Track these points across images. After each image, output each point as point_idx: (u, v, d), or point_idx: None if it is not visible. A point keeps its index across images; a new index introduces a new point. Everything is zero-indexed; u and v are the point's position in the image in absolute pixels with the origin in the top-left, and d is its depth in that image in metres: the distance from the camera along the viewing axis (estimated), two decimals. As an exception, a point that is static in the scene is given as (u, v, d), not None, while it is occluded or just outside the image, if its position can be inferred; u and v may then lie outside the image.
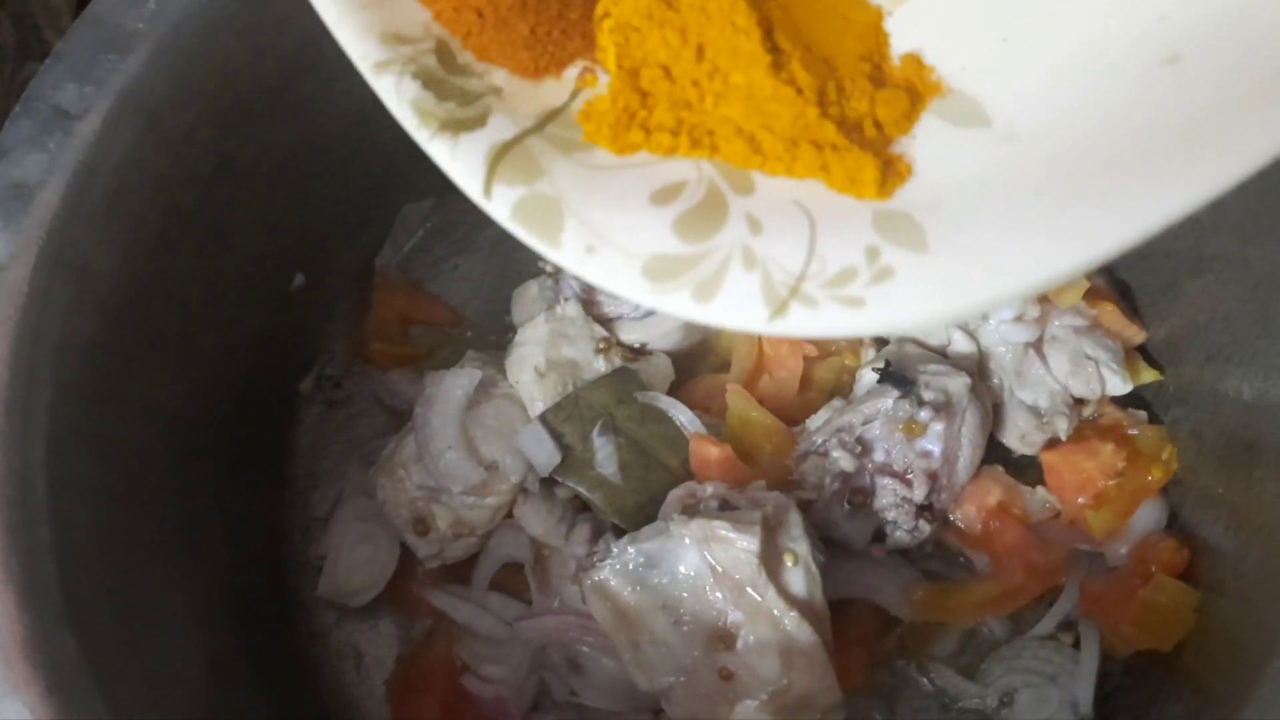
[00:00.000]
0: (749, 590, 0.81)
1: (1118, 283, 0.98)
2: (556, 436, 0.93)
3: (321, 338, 1.09)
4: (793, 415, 0.97)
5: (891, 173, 0.57)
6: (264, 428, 1.04)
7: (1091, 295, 0.93)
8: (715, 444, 0.92)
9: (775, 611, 0.81)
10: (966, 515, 0.94)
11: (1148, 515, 0.92)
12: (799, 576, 0.83)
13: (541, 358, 0.96)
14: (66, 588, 0.70)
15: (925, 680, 0.93)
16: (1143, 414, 0.96)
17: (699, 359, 1.04)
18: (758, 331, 0.53)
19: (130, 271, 0.80)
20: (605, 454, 0.93)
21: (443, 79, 0.60)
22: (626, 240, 0.55)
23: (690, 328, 1.00)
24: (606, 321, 1.00)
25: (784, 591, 0.81)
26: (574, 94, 0.62)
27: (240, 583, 0.95)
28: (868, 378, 0.94)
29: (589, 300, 0.99)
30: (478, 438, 0.95)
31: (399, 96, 0.59)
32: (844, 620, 0.88)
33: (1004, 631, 0.94)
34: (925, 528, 0.91)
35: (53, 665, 0.66)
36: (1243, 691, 0.69)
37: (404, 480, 0.96)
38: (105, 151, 0.77)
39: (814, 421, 0.94)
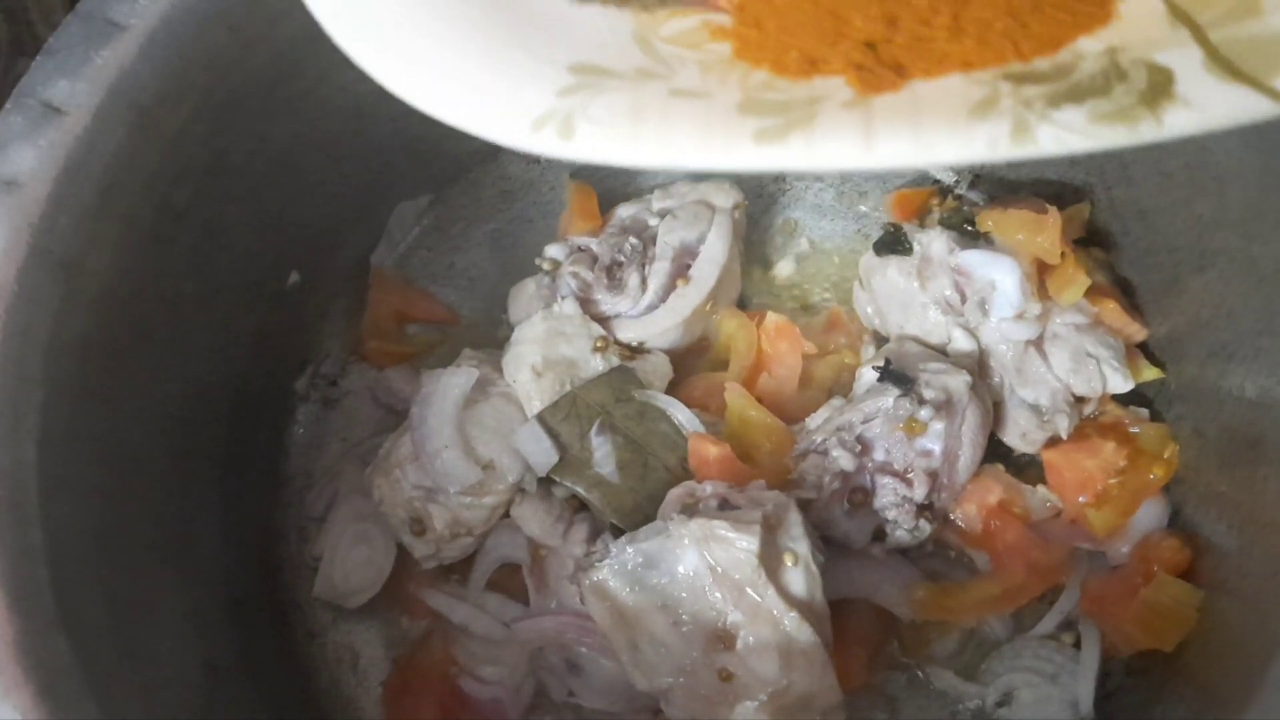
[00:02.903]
0: (748, 590, 0.81)
1: (1119, 280, 0.98)
2: (554, 436, 0.93)
3: (317, 336, 1.09)
4: (792, 414, 0.96)
5: None
6: (259, 427, 1.04)
7: (1093, 292, 0.93)
8: (714, 443, 0.91)
9: (775, 612, 0.80)
10: (967, 514, 0.93)
11: (1149, 514, 0.92)
12: (799, 576, 0.82)
13: (538, 356, 0.96)
14: (59, 589, 0.69)
15: (927, 679, 0.93)
16: (1144, 412, 0.95)
17: (697, 357, 1.03)
18: None
19: (122, 269, 0.80)
20: (603, 453, 0.93)
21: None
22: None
23: (689, 325, 0.99)
24: (604, 320, 0.99)
25: (784, 591, 0.81)
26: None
27: (236, 583, 0.95)
28: (868, 376, 0.93)
29: (586, 299, 0.99)
30: (475, 437, 0.95)
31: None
32: (844, 620, 0.88)
33: (1005, 631, 0.93)
34: (926, 527, 0.91)
35: (45, 668, 0.66)
36: (1246, 692, 0.69)
37: (400, 480, 0.95)
38: (97, 147, 0.76)
39: (814, 420, 0.94)
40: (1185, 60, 0.51)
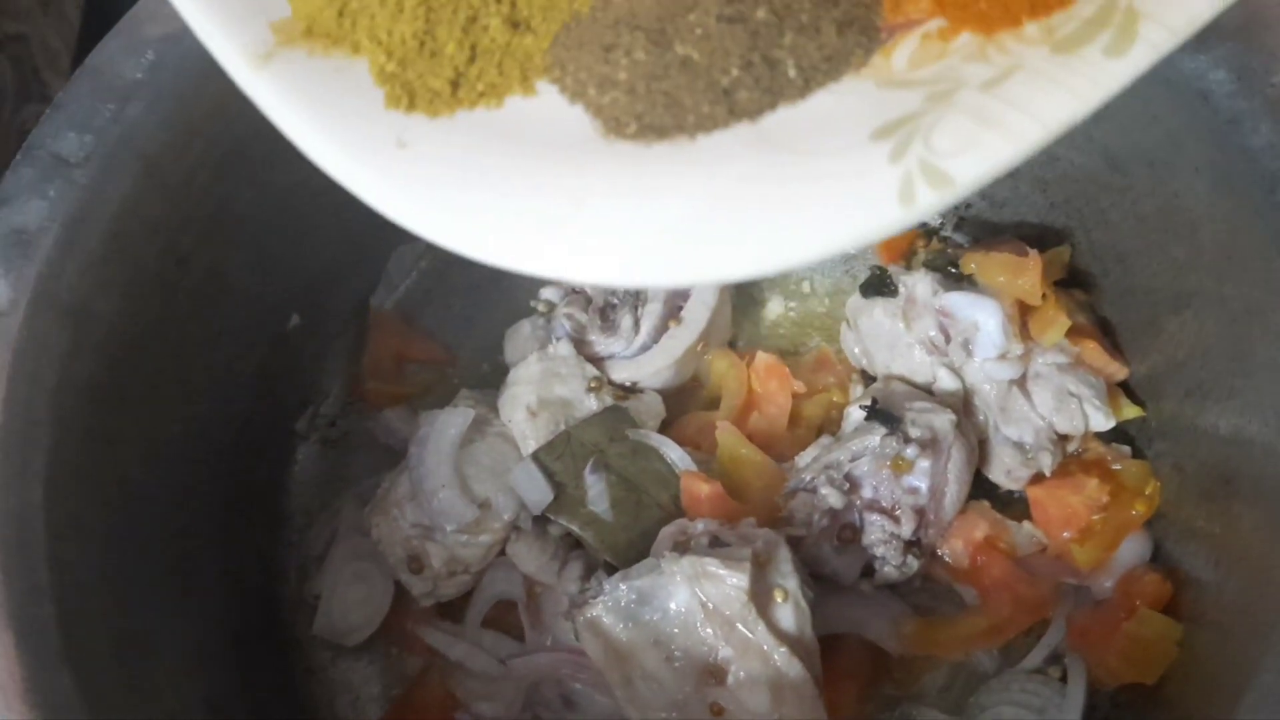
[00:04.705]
0: (739, 626, 0.82)
1: (1100, 320, 0.99)
2: (549, 474, 0.94)
3: (317, 377, 1.10)
4: (782, 452, 0.98)
5: None
6: (260, 466, 1.05)
7: (1074, 333, 0.94)
8: (706, 481, 0.93)
9: (765, 647, 0.81)
10: (954, 550, 0.94)
11: (1132, 549, 0.92)
12: (788, 612, 0.83)
13: (534, 396, 0.97)
14: (64, 628, 0.70)
15: (915, 714, 0.94)
16: (1126, 449, 0.96)
17: (689, 396, 1.05)
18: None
19: (128, 314, 0.81)
20: (597, 491, 0.94)
21: None
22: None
23: (681, 366, 1.01)
24: (597, 360, 1.01)
25: (774, 627, 0.82)
26: None
27: (236, 620, 0.96)
28: (855, 415, 0.95)
29: (580, 340, 1.01)
30: (471, 476, 0.96)
31: None
32: (834, 655, 0.88)
33: (993, 665, 0.94)
34: (913, 563, 0.92)
35: (50, 705, 0.67)
36: (1222, 723, 0.70)
37: (398, 519, 0.96)
38: (104, 197, 0.78)
39: (803, 458, 0.95)
40: None
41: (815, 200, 0.52)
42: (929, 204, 0.50)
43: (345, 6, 0.61)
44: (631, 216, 0.54)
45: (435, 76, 0.60)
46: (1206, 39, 0.74)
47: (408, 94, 0.60)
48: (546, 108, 0.60)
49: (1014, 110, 0.51)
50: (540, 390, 0.98)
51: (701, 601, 0.82)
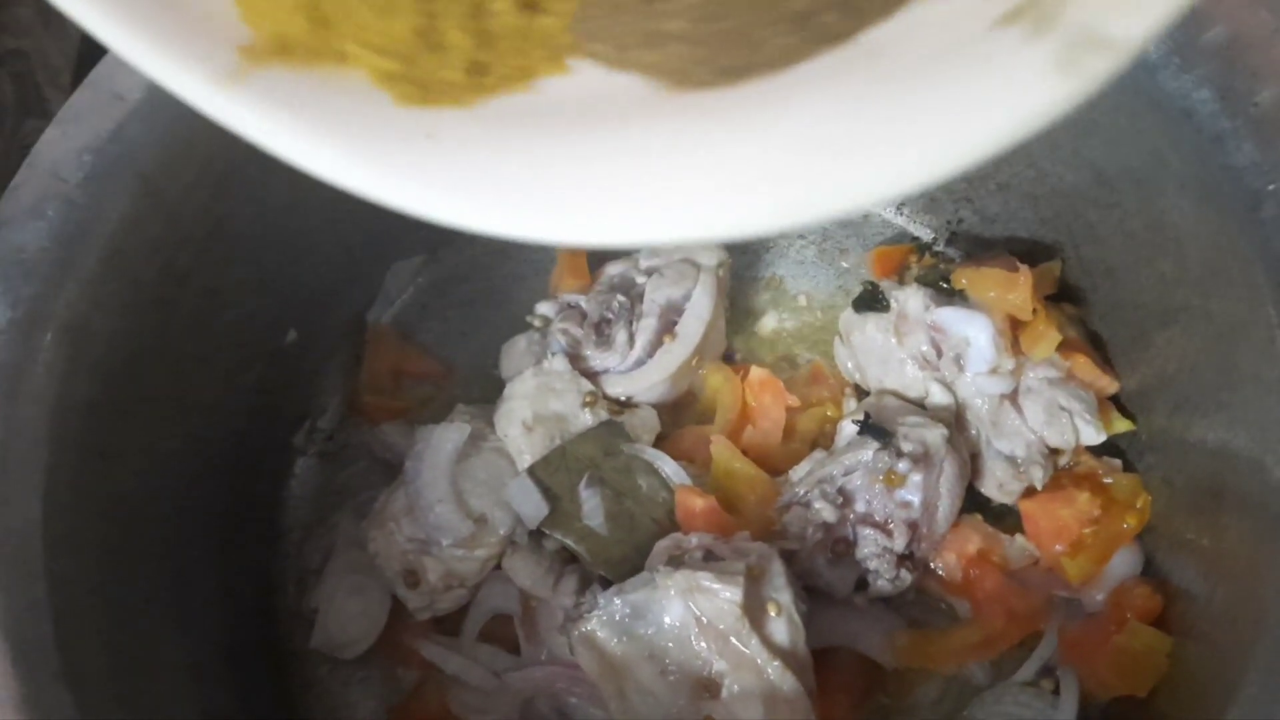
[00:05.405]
0: (733, 640, 0.82)
1: (1091, 334, 1.00)
2: (544, 489, 0.95)
3: (314, 392, 1.11)
4: (776, 465, 0.98)
5: None
6: (258, 481, 1.06)
7: (1065, 347, 0.95)
8: (700, 495, 0.93)
9: (759, 661, 0.82)
10: (947, 563, 0.95)
11: (1123, 562, 0.93)
12: (782, 626, 0.84)
13: (529, 411, 0.98)
14: (62, 644, 0.71)
15: (909, 727, 0.94)
16: (1117, 462, 0.97)
17: (684, 410, 1.05)
18: None
19: (126, 332, 0.82)
20: (592, 506, 0.94)
21: None
22: None
23: (675, 380, 1.02)
24: (593, 375, 1.01)
25: (767, 641, 0.83)
26: None
27: (234, 635, 0.96)
28: (848, 429, 0.95)
29: (575, 355, 1.01)
30: (467, 491, 0.97)
31: None
32: (827, 668, 0.89)
33: (985, 677, 0.94)
34: (906, 576, 0.92)
35: (48, 720, 0.68)
36: (1209, 736, 0.70)
37: (395, 533, 0.97)
38: (102, 216, 0.79)
39: (796, 472, 0.96)
40: None
41: (954, 96, 0.44)
42: (1097, 70, 0.42)
43: (316, 13, 0.53)
44: (731, 156, 0.46)
45: (448, 68, 0.52)
46: (1190, 59, 0.75)
47: (420, 89, 0.52)
48: (591, 81, 0.53)
49: None
50: (536, 405, 0.98)
51: (695, 615, 0.83)
